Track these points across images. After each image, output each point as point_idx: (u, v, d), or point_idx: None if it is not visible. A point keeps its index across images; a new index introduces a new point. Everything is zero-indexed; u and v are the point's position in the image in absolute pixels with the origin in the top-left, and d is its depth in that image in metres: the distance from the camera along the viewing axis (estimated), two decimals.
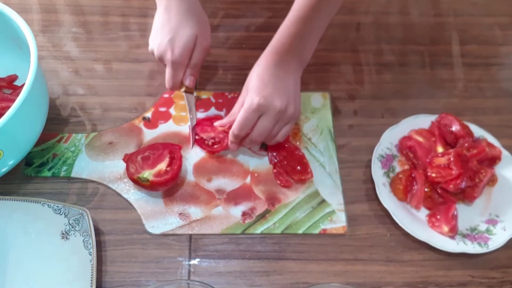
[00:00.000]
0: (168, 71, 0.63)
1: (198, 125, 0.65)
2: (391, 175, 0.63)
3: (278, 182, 0.62)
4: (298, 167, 0.63)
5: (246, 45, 0.76)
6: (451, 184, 0.59)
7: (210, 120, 0.65)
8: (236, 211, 0.60)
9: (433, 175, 0.60)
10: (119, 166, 0.62)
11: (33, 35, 0.57)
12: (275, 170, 0.63)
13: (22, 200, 0.56)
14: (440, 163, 0.60)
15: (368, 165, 0.63)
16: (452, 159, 0.60)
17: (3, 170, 0.58)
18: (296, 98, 0.60)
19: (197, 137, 0.64)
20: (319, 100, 0.71)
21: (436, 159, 0.61)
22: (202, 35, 0.62)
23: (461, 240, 0.58)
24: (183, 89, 0.65)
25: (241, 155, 0.65)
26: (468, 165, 0.61)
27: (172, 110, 0.68)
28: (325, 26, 0.62)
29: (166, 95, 0.70)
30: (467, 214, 0.61)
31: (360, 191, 0.63)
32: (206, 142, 0.64)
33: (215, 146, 0.63)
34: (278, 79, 0.59)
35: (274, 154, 0.64)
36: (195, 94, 0.68)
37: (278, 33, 0.61)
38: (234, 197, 0.61)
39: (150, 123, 0.67)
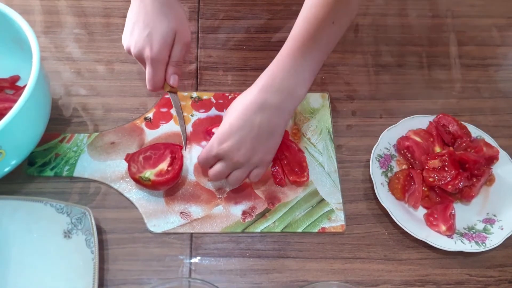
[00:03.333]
0: (148, 70, 0.60)
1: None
2: (389, 174, 0.64)
3: (274, 179, 0.63)
4: (296, 169, 0.63)
5: (246, 47, 0.77)
6: (449, 185, 0.60)
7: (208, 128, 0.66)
8: (236, 210, 0.61)
9: (430, 179, 0.61)
10: (121, 165, 0.63)
11: (35, 36, 0.57)
12: (273, 168, 0.64)
13: (24, 200, 0.57)
14: (435, 166, 0.61)
15: (367, 165, 0.64)
16: (446, 158, 0.60)
17: (6, 169, 0.58)
18: (269, 144, 0.57)
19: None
20: (318, 101, 0.71)
21: (431, 162, 0.61)
22: (181, 30, 0.59)
23: (458, 239, 0.59)
24: (167, 89, 0.63)
25: None
26: (465, 165, 0.61)
27: (173, 111, 0.69)
28: (323, 59, 0.57)
29: (167, 96, 0.70)
30: (465, 213, 0.62)
31: (358, 190, 0.64)
32: None
33: None
34: (251, 126, 0.55)
35: (277, 151, 0.64)
36: (179, 94, 0.66)
37: (272, 65, 0.57)
38: (234, 196, 0.62)
39: (152, 123, 0.67)
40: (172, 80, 0.62)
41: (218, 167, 0.57)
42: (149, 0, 0.58)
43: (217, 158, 0.57)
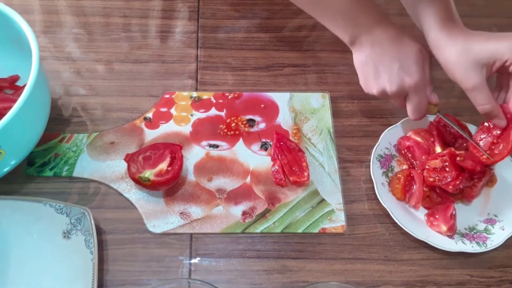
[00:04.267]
0: (413, 100, 0.58)
1: None
2: (390, 174, 0.64)
3: (274, 179, 0.63)
4: (296, 169, 0.63)
5: (246, 47, 0.77)
6: (450, 185, 0.60)
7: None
8: (236, 210, 0.61)
9: (430, 179, 0.60)
10: (121, 166, 0.63)
11: (34, 36, 0.57)
12: (273, 168, 0.64)
13: (24, 200, 0.57)
14: (436, 166, 0.61)
15: (367, 165, 0.64)
16: (447, 158, 0.60)
17: (5, 170, 0.58)
18: None
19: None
20: (318, 101, 0.71)
21: (432, 162, 0.61)
22: (421, 47, 0.58)
23: (459, 240, 0.59)
24: (435, 111, 0.61)
25: (241, 154, 0.65)
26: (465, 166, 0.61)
27: (173, 111, 0.69)
28: None
29: (167, 96, 0.70)
30: (466, 214, 0.62)
31: (359, 190, 0.64)
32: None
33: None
34: None
35: (277, 151, 0.64)
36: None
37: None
38: (234, 197, 0.62)
39: (151, 123, 0.67)
40: (434, 98, 0.60)
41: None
42: (381, 37, 0.57)
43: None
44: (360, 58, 0.59)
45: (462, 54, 0.55)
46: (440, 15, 0.57)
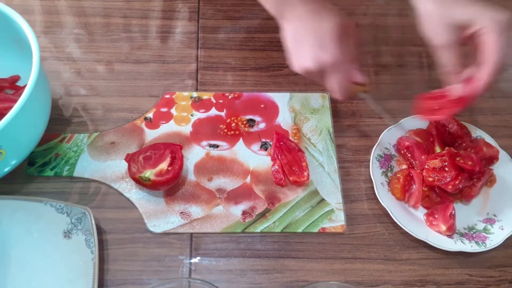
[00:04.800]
0: (334, 80, 0.55)
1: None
2: (389, 174, 0.64)
3: (273, 179, 0.63)
4: (296, 169, 0.63)
5: (246, 47, 0.77)
6: (449, 185, 0.60)
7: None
8: (236, 210, 0.61)
9: (430, 179, 0.60)
10: (121, 165, 0.63)
11: (35, 36, 0.57)
12: (273, 168, 0.64)
13: (24, 200, 0.57)
14: (435, 166, 0.61)
15: (367, 165, 0.64)
16: (446, 158, 0.60)
17: (6, 169, 0.58)
18: None
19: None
20: (318, 101, 0.71)
21: (432, 162, 0.61)
22: (345, 23, 0.55)
23: (459, 239, 0.59)
24: (360, 90, 0.59)
25: (241, 154, 0.65)
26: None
27: (173, 111, 0.69)
28: None
29: (167, 96, 0.70)
30: (465, 213, 0.62)
31: (358, 190, 0.64)
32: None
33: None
34: None
35: (277, 151, 0.65)
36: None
37: None
38: (234, 196, 0.62)
39: (152, 124, 0.67)
40: (358, 76, 0.57)
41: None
42: (303, 12, 0.55)
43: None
44: (284, 33, 0.57)
45: (440, 9, 0.53)
46: None
